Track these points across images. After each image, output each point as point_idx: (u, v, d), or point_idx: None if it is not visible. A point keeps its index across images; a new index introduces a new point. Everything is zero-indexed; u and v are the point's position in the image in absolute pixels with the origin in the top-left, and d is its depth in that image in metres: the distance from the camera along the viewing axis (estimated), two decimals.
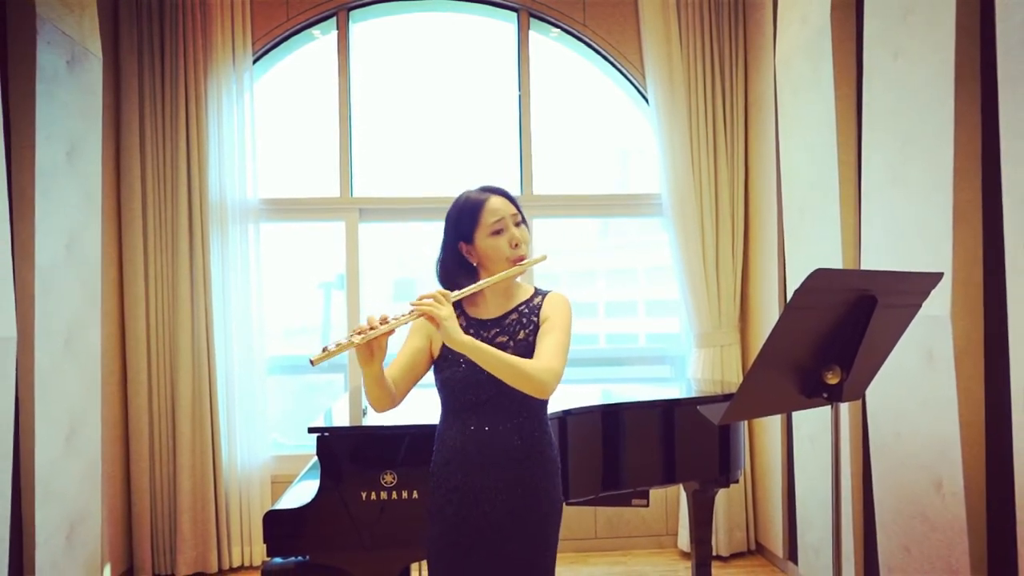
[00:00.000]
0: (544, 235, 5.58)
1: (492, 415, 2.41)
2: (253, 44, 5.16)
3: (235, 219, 5.04)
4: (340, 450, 3.04)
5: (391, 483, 2.96)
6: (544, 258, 2.47)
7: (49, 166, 3.90)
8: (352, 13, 5.43)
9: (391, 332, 2.26)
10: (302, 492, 3.20)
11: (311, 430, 3.07)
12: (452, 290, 2.39)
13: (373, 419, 3.36)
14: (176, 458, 4.94)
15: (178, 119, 4.97)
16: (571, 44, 5.53)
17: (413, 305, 2.27)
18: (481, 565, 2.40)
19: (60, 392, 3.96)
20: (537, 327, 2.45)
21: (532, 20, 5.47)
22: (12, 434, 3.55)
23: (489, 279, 2.40)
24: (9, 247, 3.55)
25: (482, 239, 2.43)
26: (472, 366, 2.36)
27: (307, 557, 3.02)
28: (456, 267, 2.48)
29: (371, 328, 2.23)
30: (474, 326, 2.48)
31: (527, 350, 2.41)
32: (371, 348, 2.25)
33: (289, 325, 5.68)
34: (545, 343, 2.38)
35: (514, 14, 5.47)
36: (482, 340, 2.38)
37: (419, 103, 5.63)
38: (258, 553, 5.08)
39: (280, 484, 5.10)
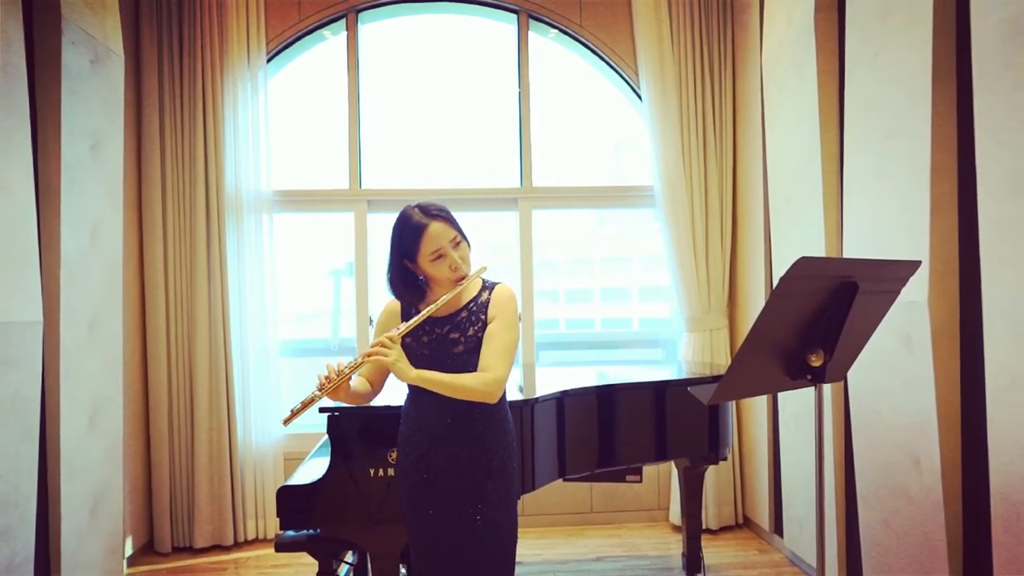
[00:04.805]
0: (543, 225, 5.57)
1: (451, 397, 2.49)
2: (267, 44, 5.16)
3: (250, 210, 5.03)
4: (349, 429, 3.04)
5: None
6: (484, 269, 2.57)
7: (74, 160, 3.89)
8: (361, 15, 5.41)
9: (348, 378, 2.43)
10: (313, 469, 3.21)
11: (322, 410, 3.07)
12: (399, 297, 2.60)
13: (381, 400, 3.37)
14: (194, 436, 4.95)
15: (196, 115, 4.96)
16: (568, 44, 5.52)
17: (363, 357, 2.43)
18: (448, 523, 2.51)
19: (84, 374, 3.97)
20: (485, 324, 2.54)
21: (531, 21, 5.45)
22: (39, 414, 3.56)
23: (430, 308, 2.47)
24: (36, 237, 3.56)
25: (424, 262, 2.52)
26: (432, 354, 2.53)
27: (318, 530, 3.04)
28: (402, 279, 2.58)
29: (329, 380, 2.42)
30: (429, 323, 2.56)
31: (477, 345, 2.52)
32: (335, 391, 2.45)
33: (301, 310, 5.68)
34: (489, 349, 2.51)
35: (514, 15, 5.45)
36: (437, 336, 2.54)
37: (424, 100, 5.62)
38: (272, 527, 5.10)
39: (292, 461, 5.12)
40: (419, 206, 2.53)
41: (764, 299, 4.74)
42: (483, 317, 2.54)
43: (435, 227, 2.49)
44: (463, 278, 2.51)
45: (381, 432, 3.00)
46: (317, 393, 2.41)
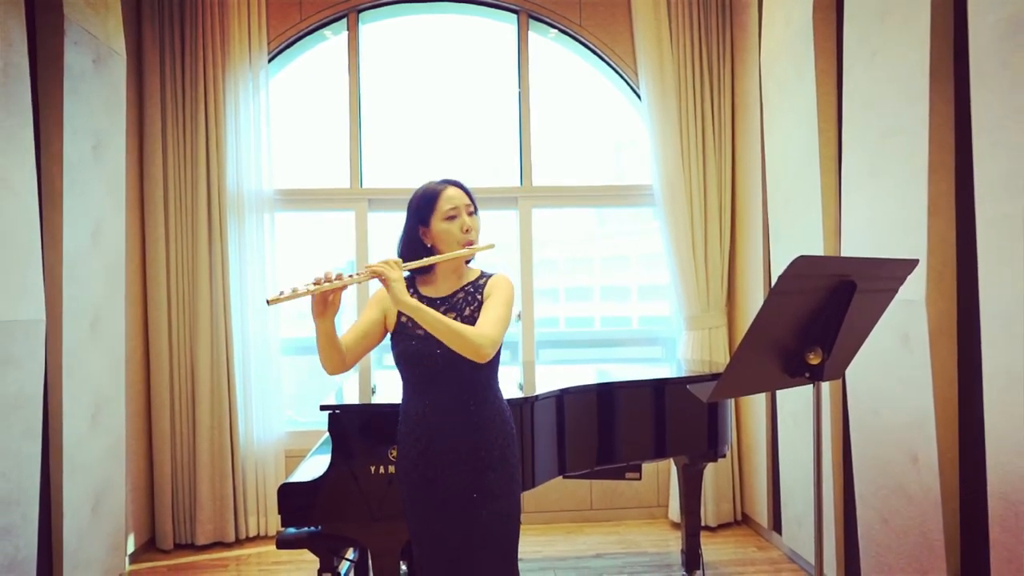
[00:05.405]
0: (543, 224, 5.57)
1: (446, 387, 2.49)
2: (268, 44, 5.15)
3: (251, 209, 5.03)
4: (350, 426, 3.04)
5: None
6: (492, 246, 2.57)
7: (76, 159, 3.89)
8: (362, 15, 5.41)
9: (344, 287, 2.36)
10: (314, 466, 3.21)
11: (323, 407, 3.08)
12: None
13: (381, 397, 3.37)
14: (195, 434, 4.95)
15: (197, 114, 4.96)
16: (568, 44, 5.51)
17: (365, 269, 2.40)
18: (451, 519, 2.49)
19: (86, 372, 3.97)
20: (481, 304, 2.53)
21: (531, 21, 5.44)
22: (41, 412, 3.56)
23: (439, 256, 2.51)
24: (38, 235, 3.55)
25: (437, 223, 2.54)
26: (424, 341, 2.48)
27: (319, 527, 3.04)
28: (414, 247, 2.58)
29: (327, 281, 2.34)
30: (425, 303, 2.55)
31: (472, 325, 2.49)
32: (324, 302, 2.36)
33: (302, 308, 5.66)
34: (485, 315, 2.47)
35: (514, 15, 5.44)
36: None
37: (425, 100, 5.62)
38: (273, 524, 5.10)
39: (294, 458, 5.12)
40: (440, 179, 2.62)
41: (763, 297, 4.73)
42: (479, 297, 2.54)
43: (453, 190, 2.57)
44: (471, 243, 2.55)
45: (382, 429, 3.00)
46: (311, 286, 2.31)
